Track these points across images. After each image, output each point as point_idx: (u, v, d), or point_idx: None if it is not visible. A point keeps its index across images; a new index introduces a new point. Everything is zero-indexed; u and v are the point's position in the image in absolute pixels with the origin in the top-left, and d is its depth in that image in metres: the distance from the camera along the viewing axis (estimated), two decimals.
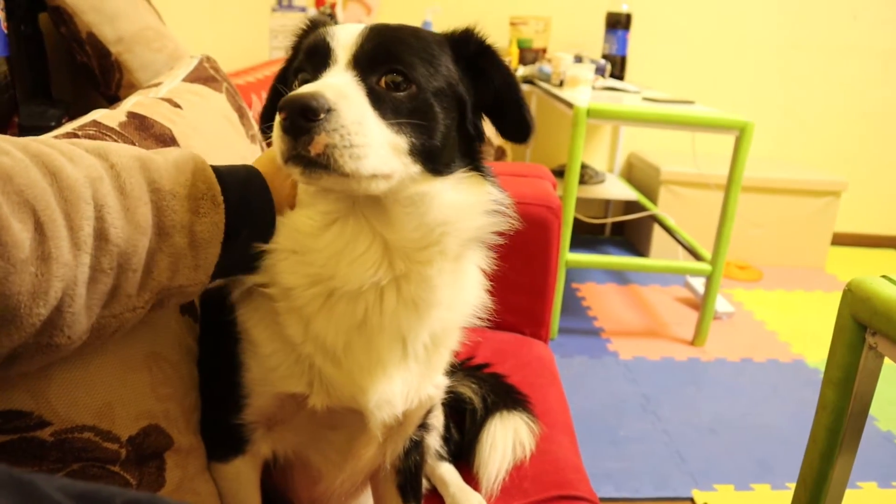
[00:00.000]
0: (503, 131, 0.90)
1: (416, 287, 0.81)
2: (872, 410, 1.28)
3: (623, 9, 3.86)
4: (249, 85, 1.82)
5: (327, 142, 0.68)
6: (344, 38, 0.79)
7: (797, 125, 4.40)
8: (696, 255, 3.16)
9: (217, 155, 1.04)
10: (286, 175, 0.81)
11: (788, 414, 2.55)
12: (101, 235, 0.64)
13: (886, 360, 1.10)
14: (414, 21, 3.94)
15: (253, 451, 0.90)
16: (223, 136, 1.22)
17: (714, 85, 4.27)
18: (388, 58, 0.77)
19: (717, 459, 2.26)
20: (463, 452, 1.31)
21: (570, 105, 2.82)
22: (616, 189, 3.97)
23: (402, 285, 0.81)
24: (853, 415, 1.14)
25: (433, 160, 0.79)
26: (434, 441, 1.24)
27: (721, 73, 4.27)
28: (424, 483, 1.24)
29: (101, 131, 0.90)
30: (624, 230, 4.45)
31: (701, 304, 3.01)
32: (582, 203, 4.03)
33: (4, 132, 1.06)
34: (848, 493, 1.18)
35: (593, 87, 3.34)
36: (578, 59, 3.60)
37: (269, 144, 0.80)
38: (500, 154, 3.76)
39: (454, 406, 1.36)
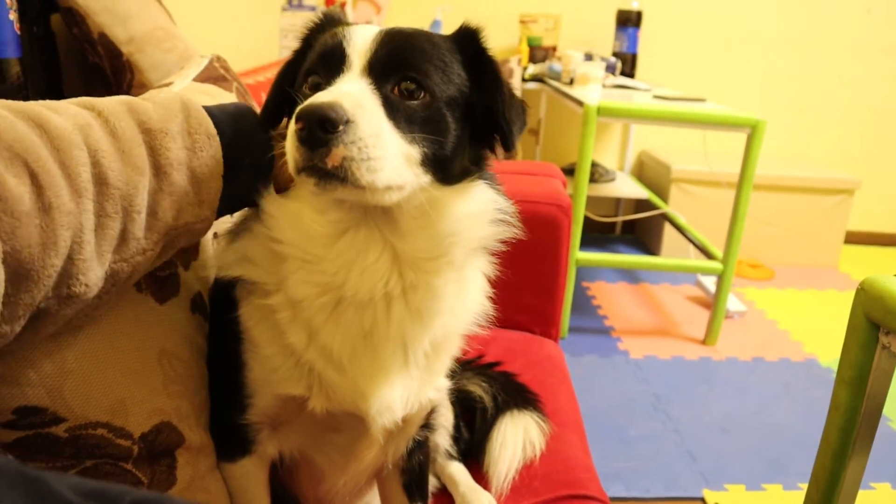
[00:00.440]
0: (482, 138, 0.85)
1: (422, 297, 0.82)
2: (886, 410, 1.27)
3: (633, 6, 3.85)
4: (259, 84, 1.82)
5: (345, 154, 0.67)
6: (359, 42, 0.77)
7: (809, 123, 4.36)
8: (708, 254, 3.14)
9: None
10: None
11: (800, 413, 2.54)
12: (100, 180, 0.64)
13: None
14: (424, 19, 3.95)
15: (259, 451, 0.91)
16: None
17: (725, 82, 4.24)
18: (402, 65, 0.75)
19: (729, 459, 2.25)
20: (473, 451, 1.31)
21: (580, 103, 2.81)
22: (627, 187, 3.95)
23: (409, 295, 0.81)
24: (866, 415, 1.13)
25: (443, 170, 0.78)
26: (444, 440, 1.24)
27: (732, 70, 4.24)
28: (434, 482, 1.24)
29: None
30: (635, 229, 4.43)
31: (712, 303, 2.99)
32: (592, 201, 4.02)
33: None
34: (861, 493, 1.17)
35: (604, 85, 3.33)
36: (589, 57, 3.59)
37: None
38: (510, 153, 3.76)
39: (465, 404, 1.36)
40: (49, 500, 0.40)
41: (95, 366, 0.74)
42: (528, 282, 1.75)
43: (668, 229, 3.86)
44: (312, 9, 3.15)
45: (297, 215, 0.80)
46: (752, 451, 2.30)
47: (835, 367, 1.24)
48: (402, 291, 0.81)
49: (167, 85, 1.19)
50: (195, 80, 1.24)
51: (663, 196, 3.93)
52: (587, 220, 3.26)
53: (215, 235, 0.95)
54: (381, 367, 0.83)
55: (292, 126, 0.68)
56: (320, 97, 0.68)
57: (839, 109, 4.34)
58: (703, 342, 3.02)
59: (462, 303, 0.88)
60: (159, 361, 0.82)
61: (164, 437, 0.81)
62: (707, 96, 3.28)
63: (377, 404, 0.84)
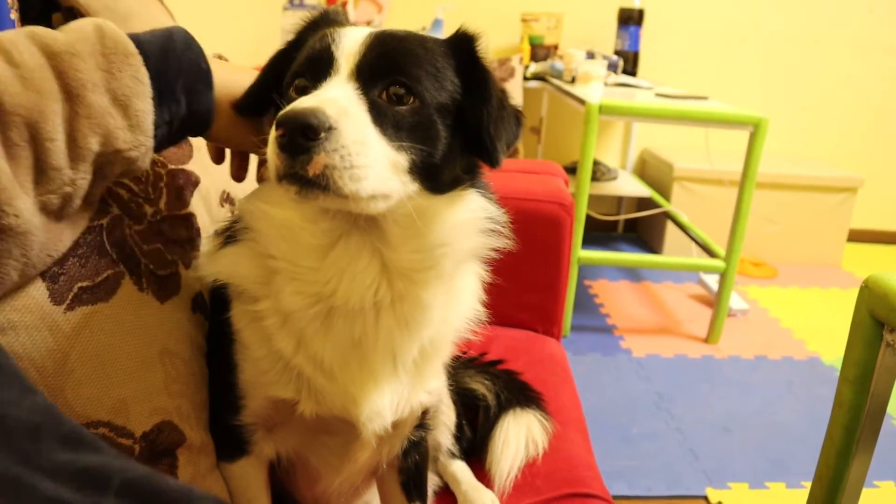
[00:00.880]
0: (474, 146, 0.81)
1: (409, 308, 0.81)
2: (890, 408, 1.26)
3: (636, 4, 3.84)
4: None
5: (326, 162, 0.65)
6: (347, 45, 0.74)
7: (812, 121, 4.35)
8: (710, 252, 3.13)
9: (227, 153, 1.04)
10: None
11: (803, 412, 2.53)
12: None
13: None
14: (425, 18, 3.94)
15: (256, 451, 0.91)
16: None
17: (728, 80, 4.23)
18: (392, 69, 0.73)
19: (732, 457, 2.24)
20: (476, 449, 1.31)
21: (582, 101, 2.80)
22: (629, 186, 3.95)
23: (397, 306, 0.80)
24: (870, 413, 1.12)
25: (433, 178, 0.76)
26: (446, 439, 1.24)
27: (735, 68, 4.23)
28: (437, 480, 1.24)
29: None
30: (637, 227, 4.43)
31: (715, 302, 2.98)
32: (594, 200, 4.02)
33: None
34: (865, 491, 1.17)
35: (605, 84, 3.32)
36: (590, 56, 3.58)
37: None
38: (513, 151, 3.76)
39: (467, 403, 1.36)
40: (24, 495, 0.40)
41: (97, 365, 0.74)
42: (531, 280, 1.75)
43: (670, 227, 3.86)
44: (314, 8, 3.15)
45: (287, 226, 0.78)
46: (756, 449, 2.30)
47: (838, 366, 1.23)
48: (391, 301, 0.80)
49: None
50: None
51: (665, 194, 3.92)
52: (589, 219, 3.26)
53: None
54: (371, 374, 0.83)
55: (273, 132, 0.66)
56: (302, 102, 0.66)
57: (842, 108, 4.33)
58: (706, 340, 3.01)
59: (453, 310, 0.87)
60: (160, 360, 0.82)
61: (166, 437, 0.81)
62: (709, 94, 3.27)
63: (367, 410, 0.84)
